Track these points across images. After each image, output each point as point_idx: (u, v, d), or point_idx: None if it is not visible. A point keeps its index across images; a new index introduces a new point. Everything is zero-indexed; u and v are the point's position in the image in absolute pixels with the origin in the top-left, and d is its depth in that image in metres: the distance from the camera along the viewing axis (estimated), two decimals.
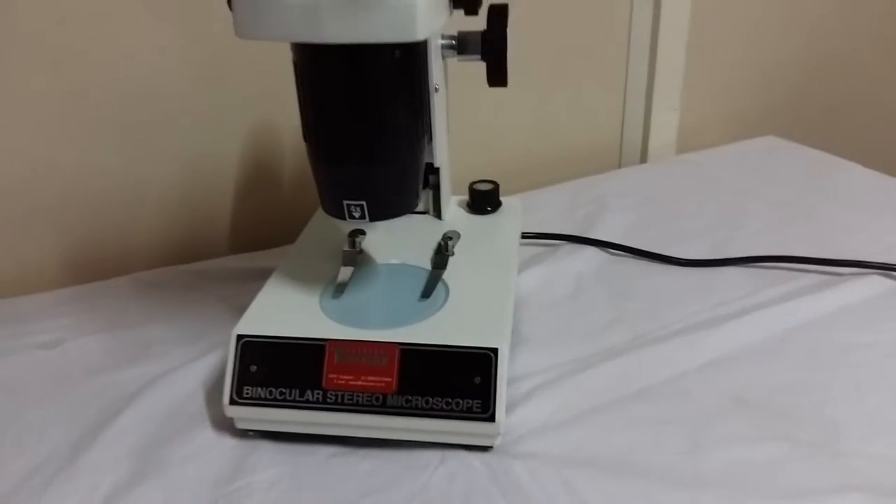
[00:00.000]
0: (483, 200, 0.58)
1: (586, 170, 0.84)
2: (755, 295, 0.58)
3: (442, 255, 0.51)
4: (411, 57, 0.39)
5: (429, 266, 0.51)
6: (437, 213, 0.57)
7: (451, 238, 0.53)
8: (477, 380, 0.41)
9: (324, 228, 0.57)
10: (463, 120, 0.69)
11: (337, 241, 0.52)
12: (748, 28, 0.91)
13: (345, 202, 0.41)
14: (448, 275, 0.49)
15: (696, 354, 0.51)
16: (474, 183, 0.59)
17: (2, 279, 0.65)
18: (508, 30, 0.49)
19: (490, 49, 0.48)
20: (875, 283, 0.58)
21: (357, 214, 0.42)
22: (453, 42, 0.49)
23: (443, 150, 0.53)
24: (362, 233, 0.53)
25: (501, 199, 0.60)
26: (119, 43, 0.61)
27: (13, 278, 0.65)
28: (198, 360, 0.52)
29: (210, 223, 0.71)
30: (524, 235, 0.66)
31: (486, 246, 0.53)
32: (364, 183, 0.41)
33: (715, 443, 0.44)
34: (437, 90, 0.49)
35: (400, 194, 0.43)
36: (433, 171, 0.54)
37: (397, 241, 0.53)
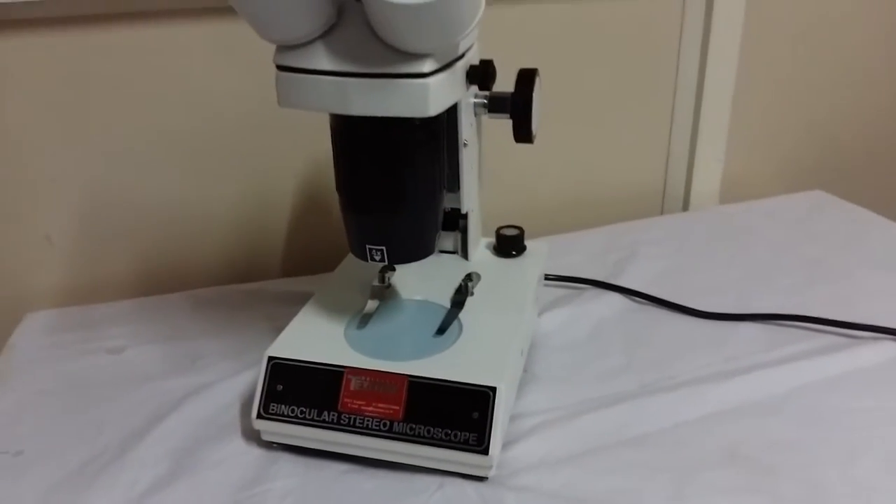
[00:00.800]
0: (508, 245, 0.62)
1: (628, 214, 0.86)
2: (767, 352, 0.60)
3: (461, 294, 0.55)
4: (431, 123, 0.43)
5: (449, 304, 0.55)
6: (465, 255, 0.61)
7: (471, 279, 0.57)
8: (475, 415, 0.45)
9: (359, 262, 0.62)
10: (505, 162, 0.74)
11: (370, 274, 0.58)
12: (797, 81, 0.92)
13: (367, 246, 0.47)
14: (465, 314, 0.54)
15: (697, 406, 0.54)
16: (501, 228, 0.63)
17: (81, 289, 0.73)
18: (535, 94, 0.53)
19: (516, 110, 0.53)
20: (888, 349, 0.59)
21: (378, 258, 0.47)
22: (485, 101, 0.54)
23: (470, 198, 0.57)
24: (392, 269, 0.58)
25: (527, 243, 0.64)
26: (191, 87, 0.69)
27: (91, 289, 0.73)
28: (238, 375, 0.58)
29: (264, 248, 0.77)
30: (549, 277, 0.69)
31: (504, 288, 0.57)
32: (384, 230, 0.46)
33: (699, 492, 0.46)
34: (465, 145, 0.54)
35: (417, 241, 0.48)
36: (462, 216, 0.59)
37: (424, 279, 0.58)
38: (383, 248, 0.46)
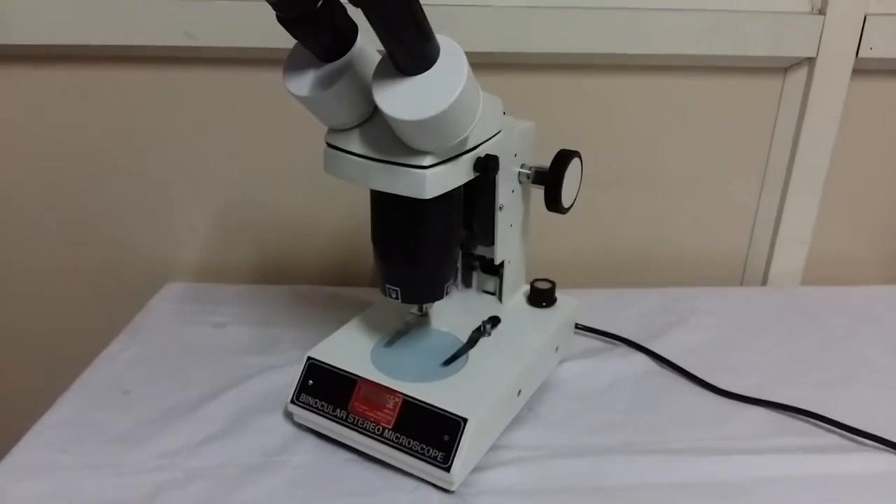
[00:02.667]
0: (538, 296, 0.70)
1: (707, 279, 0.90)
2: (764, 439, 0.63)
3: (478, 333, 0.65)
4: (441, 197, 0.53)
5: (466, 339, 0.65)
6: (500, 298, 0.70)
7: (491, 322, 0.66)
8: (446, 437, 0.55)
9: None
10: (589, 217, 0.82)
11: None
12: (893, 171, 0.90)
13: (386, 286, 0.58)
14: (475, 351, 0.63)
15: (669, 473, 0.59)
16: (536, 280, 0.71)
17: (211, 269, 0.91)
18: (567, 173, 0.62)
19: (548, 184, 0.62)
20: (883, 461, 0.60)
21: (394, 296, 0.58)
22: (528, 173, 0.64)
23: (505, 251, 0.66)
24: (448, 294, 0.69)
25: (561, 296, 0.71)
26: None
27: (218, 271, 0.90)
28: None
29: (359, 258, 0.91)
30: (580, 327, 0.76)
31: (520, 335, 0.66)
32: (399, 275, 0.57)
33: None
34: (501, 208, 0.63)
35: (427, 287, 0.58)
36: (499, 265, 0.68)
37: (457, 314, 0.68)
38: (398, 289, 0.57)
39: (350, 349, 0.63)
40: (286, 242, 0.90)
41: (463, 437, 0.54)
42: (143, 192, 0.87)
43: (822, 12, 0.79)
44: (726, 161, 0.88)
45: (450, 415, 0.55)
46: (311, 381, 0.61)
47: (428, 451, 0.55)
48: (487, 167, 0.51)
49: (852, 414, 0.65)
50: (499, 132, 0.55)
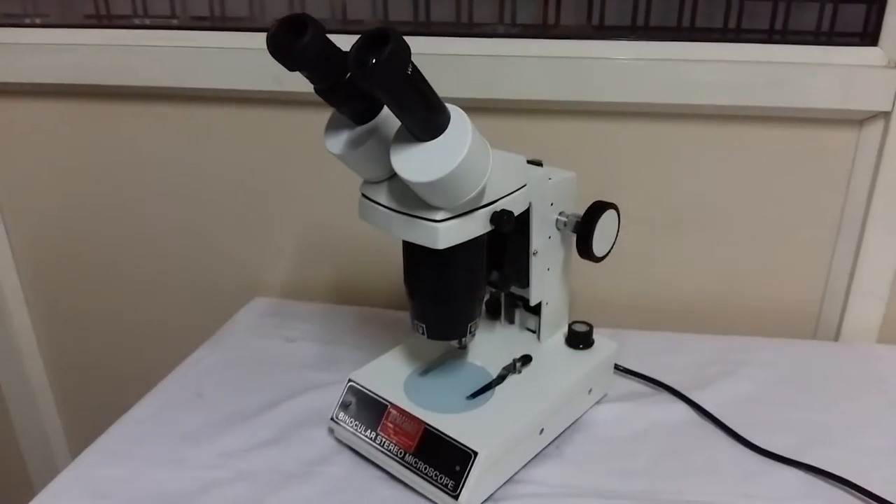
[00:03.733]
0: (575, 338, 0.73)
1: (778, 331, 0.88)
2: (788, 500, 0.63)
3: (508, 370, 0.69)
4: (460, 247, 0.57)
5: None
6: (539, 338, 0.74)
7: (521, 361, 0.70)
8: (457, 468, 0.59)
9: None
10: (654, 261, 0.86)
11: None
12: None
13: (414, 321, 0.63)
14: (503, 387, 0.67)
15: None
16: (574, 322, 0.74)
17: (295, 288, 1.00)
18: (599, 223, 0.64)
19: (580, 232, 0.65)
20: None
21: (420, 332, 0.63)
22: (566, 220, 0.67)
23: (541, 294, 0.70)
24: (473, 335, 0.74)
25: (599, 339, 0.74)
26: None
27: (299, 289, 0.99)
28: None
29: None
30: (620, 368, 0.78)
31: (551, 375, 0.69)
32: (424, 313, 0.62)
33: None
34: (535, 254, 0.67)
35: (450, 325, 0.63)
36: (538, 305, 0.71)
37: (494, 349, 0.72)
38: (424, 325, 0.62)
39: (387, 375, 0.69)
40: (361, 267, 0.98)
41: (472, 469, 0.59)
42: (240, 216, 0.98)
43: None
44: (799, 210, 0.86)
45: (462, 446, 0.60)
46: (349, 401, 0.67)
47: (441, 478, 0.60)
48: (501, 221, 0.55)
49: (893, 488, 0.63)
50: (522, 186, 0.59)
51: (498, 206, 0.56)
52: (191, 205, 0.98)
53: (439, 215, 0.53)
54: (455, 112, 0.50)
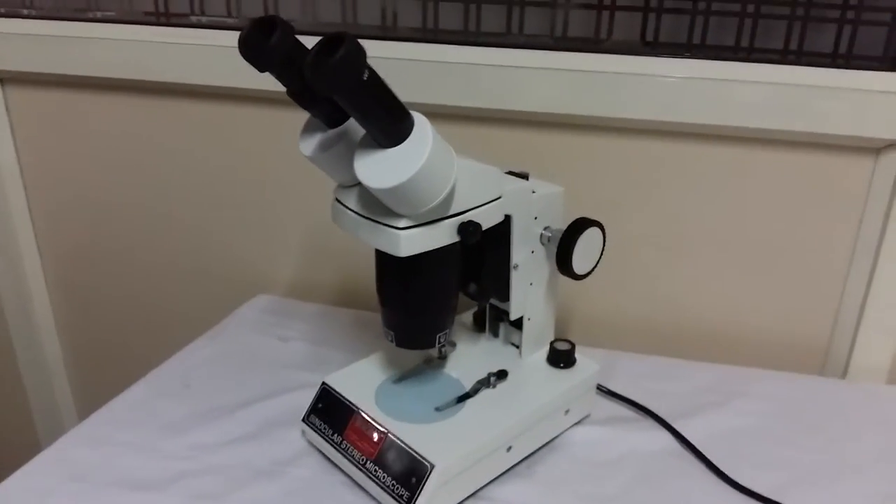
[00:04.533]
0: (556, 356, 0.71)
1: (783, 364, 0.85)
2: None
3: (481, 385, 0.68)
4: (426, 258, 0.57)
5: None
6: (520, 354, 0.73)
7: (497, 376, 0.69)
8: (413, 480, 0.59)
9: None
10: (656, 283, 0.86)
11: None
12: None
13: (385, 328, 0.63)
14: (474, 401, 0.66)
15: None
16: (556, 340, 0.72)
17: (298, 286, 1.01)
18: (580, 240, 0.63)
19: (560, 248, 0.64)
20: None
21: (390, 339, 0.63)
22: (549, 235, 0.66)
23: (522, 309, 0.69)
24: (454, 345, 0.73)
25: (582, 359, 0.72)
26: None
27: (302, 288, 1.00)
28: None
29: None
30: (604, 390, 0.76)
31: (525, 392, 0.68)
32: (393, 321, 0.62)
33: None
34: (516, 268, 0.66)
35: (417, 335, 0.62)
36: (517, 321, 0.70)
37: (473, 362, 0.71)
38: (393, 333, 0.62)
39: (360, 381, 0.69)
40: (364, 270, 0.97)
41: (427, 482, 0.58)
42: (251, 213, 0.99)
43: None
44: (809, 239, 0.83)
45: (420, 458, 0.59)
46: (320, 405, 0.68)
47: (397, 488, 0.59)
48: (467, 233, 0.54)
49: None
50: (496, 199, 0.58)
51: (466, 217, 0.56)
52: (205, 200, 1.00)
53: (402, 223, 0.53)
54: (419, 120, 0.50)
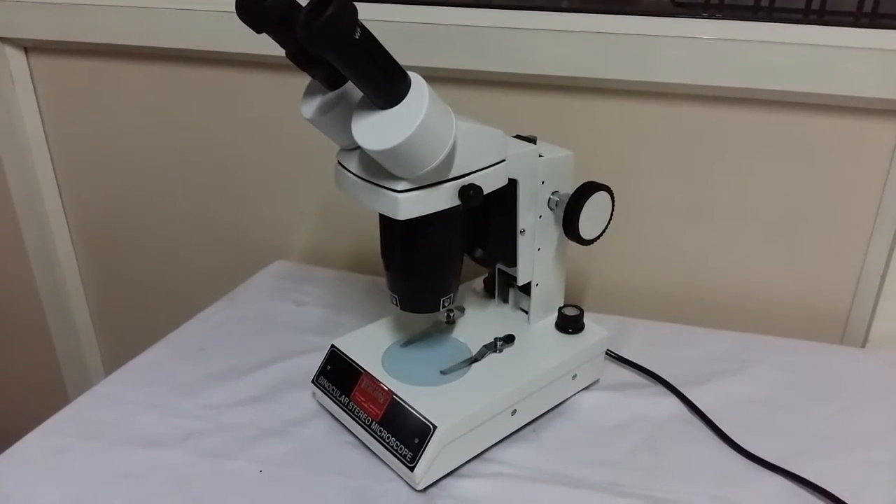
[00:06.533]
0: (565, 322, 0.71)
1: (803, 332, 0.83)
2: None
3: (487, 349, 0.68)
4: (430, 221, 0.56)
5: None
6: (529, 319, 0.72)
7: (504, 340, 0.69)
8: (416, 440, 0.59)
9: (459, 296, 0.77)
10: (674, 249, 0.86)
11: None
12: None
13: (390, 292, 0.63)
14: (480, 365, 0.66)
15: None
16: (565, 306, 0.72)
17: (315, 252, 1.02)
18: (587, 205, 0.63)
19: (567, 212, 0.63)
20: None
21: (394, 303, 0.63)
22: (557, 199, 0.66)
23: (530, 274, 0.69)
24: (462, 311, 0.73)
25: (591, 325, 0.72)
26: None
27: (319, 254, 1.01)
28: None
29: None
30: (613, 356, 0.75)
31: (531, 357, 0.68)
32: (398, 285, 0.62)
33: None
34: (522, 232, 0.66)
35: (422, 298, 0.63)
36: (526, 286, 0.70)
37: (481, 326, 0.71)
38: (397, 296, 0.62)
39: (369, 344, 0.69)
40: (377, 237, 0.98)
41: (430, 443, 0.59)
42: (267, 180, 1.00)
43: None
44: (831, 205, 0.81)
45: (423, 419, 0.60)
46: (329, 367, 0.69)
47: (401, 448, 0.60)
48: (468, 196, 0.54)
49: None
50: (500, 162, 0.58)
51: (467, 181, 0.55)
52: (226, 167, 1.01)
53: (401, 185, 0.53)
54: (415, 80, 0.50)
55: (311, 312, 0.88)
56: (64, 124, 1.06)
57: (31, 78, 1.03)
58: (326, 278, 0.95)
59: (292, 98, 0.92)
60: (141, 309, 1.16)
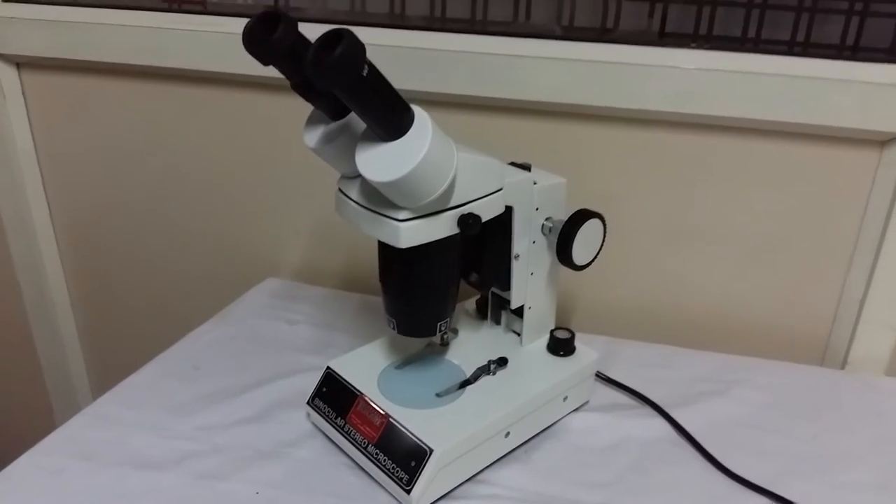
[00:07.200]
0: (556, 345, 0.72)
1: (783, 354, 0.86)
2: None
3: (481, 372, 0.69)
4: (427, 249, 0.58)
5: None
6: (521, 341, 0.74)
7: (497, 363, 0.70)
8: (412, 463, 0.60)
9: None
10: (659, 272, 0.87)
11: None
12: None
13: (387, 316, 0.64)
14: (474, 387, 0.68)
15: None
16: (556, 329, 0.73)
17: (307, 270, 1.02)
18: (580, 232, 0.64)
19: (560, 239, 0.65)
20: None
21: (391, 326, 0.64)
22: (550, 226, 0.67)
23: (523, 298, 0.70)
24: (456, 332, 0.74)
25: (582, 347, 0.73)
26: None
27: (311, 272, 1.02)
28: None
29: None
30: (602, 378, 0.77)
31: (524, 379, 0.69)
32: (395, 308, 0.63)
33: None
34: (517, 257, 0.67)
35: (418, 322, 0.64)
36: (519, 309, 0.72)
37: (474, 348, 0.73)
38: (395, 321, 0.64)
39: (364, 365, 0.70)
40: (370, 256, 0.99)
41: (426, 466, 0.60)
42: (260, 198, 1.01)
43: None
44: (813, 231, 0.83)
45: (420, 442, 0.61)
46: (324, 389, 0.69)
47: (397, 471, 0.61)
48: (467, 225, 0.55)
49: None
50: (497, 191, 0.59)
51: (466, 210, 0.57)
52: (218, 184, 1.02)
53: (403, 214, 0.54)
54: (419, 114, 0.51)
55: (303, 331, 0.88)
56: (55, 140, 1.06)
57: (23, 93, 1.03)
58: (318, 297, 0.96)
59: (285, 117, 0.94)
60: (129, 325, 1.16)
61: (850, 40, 0.77)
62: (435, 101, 0.84)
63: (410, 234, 0.54)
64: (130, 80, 0.99)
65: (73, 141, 1.05)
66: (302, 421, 0.72)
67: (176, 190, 1.04)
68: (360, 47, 0.45)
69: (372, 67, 0.47)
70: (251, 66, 0.87)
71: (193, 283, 1.09)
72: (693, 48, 0.80)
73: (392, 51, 0.84)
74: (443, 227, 0.56)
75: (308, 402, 0.70)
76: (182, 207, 1.05)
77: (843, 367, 0.86)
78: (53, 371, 1.19)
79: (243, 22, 0.88)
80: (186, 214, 1.05)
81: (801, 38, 0.78)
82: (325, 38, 0.45)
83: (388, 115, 0.50)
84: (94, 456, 0.67)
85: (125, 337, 1.17)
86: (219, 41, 0.90)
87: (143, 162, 1.03)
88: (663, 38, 0.82)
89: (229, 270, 1.06)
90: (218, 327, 0.89)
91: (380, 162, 0.51)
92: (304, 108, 0.90)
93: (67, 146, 1.06)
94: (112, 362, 1.20)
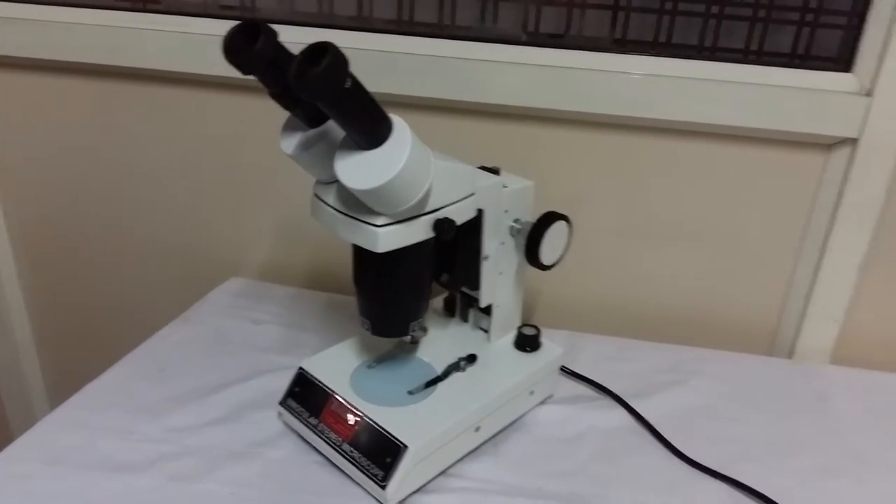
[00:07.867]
0: (523, 341, 0.75)
1: (735, 344, 0.90)
2: None
3: (452, 369, 0.71)
4: (409, 249, 0.59)
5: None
6: (489, 338, 0.76)
7: (467, 359, 0.72)
8: (388, 459, 0.62)
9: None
10: (620, 268, 0.90)
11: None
12: None
13: (361, 318, 0.65)
14: (445, 384, 0.69)
15: None
16: (523, 325, 0.76)
17: (272, 270, 1.02)
18: (548, 233, 0.66)
19: (529, 240, 0.67)
20: None
21: (366, 327, 0.65)
22: (519, 227, 0.69)
23: (491, 297, 0.72)
24: (425, 330, 0.76)
25: (548, 343, 0.76)
26: None
27: (275, 271, 1.02)
28: None
29: None
30: (565, 370, 0.80)
31: (493, 375, 0.71)
32: (368, 309, 0.65)
33: None
34: (486, 258, 0.69)
35: (390, 323, 0.65)
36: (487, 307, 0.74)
37: (444, 346, 0.74)
38: (369, 322, 0.65)
39: (336, 365, 0.71)
40: (336, 253, 1.00)
41: (401, 462, 0.61)
42: (222, 197, 1.00)
43: (869, 94, 0.77)
44: (763, 229, 0.87)
45: (394, 439, 0.62)
46: (297, 388, 0.70)
47: (372, 468, 0.62)
48: (442, 229, 0.57)
49: None
50: (469, 196, 0.61)
51: (441, 214, 0.58)
52: (179, 184, 1.01)
53: (380, 220, 0.55)
54: (398, 123, 0.52)
55: (269, 331, 0.89)
56: (7, 140, 1.03)
57: None
58: (283, 296, 0.96)
59: (246, 116, 0.93)
60: (86, 329, 1.14)
61: (800, 49, 0.81)
62: (401, 104, 0.85)
63: (388, 239, 0.56)
64: (85, 78, 0.97)
65: (26, 141, 1.02)
66: (273, 421, 0.73)
67: (134, 190, 1.03)
68: (343, 60, 0.46)
69: (354, 80, 0.48)
70: (209, 66, 0.88)
71: (153, 284, 1.08)
72: (652, 55, 0.83)
73: (358, 53, 0.84)
74: (419, 231, 0.57)
75: (280, 403, 0.71)
76: (140, 208, 1.04)
77: (790, 357, 0.91)
78: (8, 377, 1.16)
79: (201, 21, 0.90)
80: (145, 215, 1.04)
81: (755, 46, 0.82)
82: (310, 50, 0.46)
83: (369, 124, 0.51)
84: (63, 460, 0.66)
85: (82, 341, 1.15)
86: (181, 41, 0.89)
87: (99, 162, 1.02)
88: (625, 45, 0.84)
89: (190, 271, 1.06)
90: (182, 328, 0.88)
91: (359, 170, 0.52)
92: (263, 107, 0.90)
93: (21, 147, 1.03)
94: (68, 368, 1.17)
